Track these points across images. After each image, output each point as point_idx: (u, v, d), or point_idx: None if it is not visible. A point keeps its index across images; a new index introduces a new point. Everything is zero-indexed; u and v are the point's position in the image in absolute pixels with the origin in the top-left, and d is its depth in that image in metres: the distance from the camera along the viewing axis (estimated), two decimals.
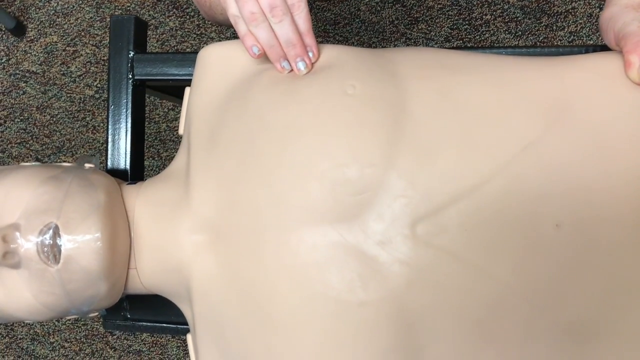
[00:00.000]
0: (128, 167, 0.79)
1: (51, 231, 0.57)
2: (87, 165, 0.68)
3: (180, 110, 0.70)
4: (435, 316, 0.53)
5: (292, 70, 0.60)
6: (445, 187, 0.53)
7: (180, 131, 0.70)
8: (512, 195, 0.52)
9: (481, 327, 0.53)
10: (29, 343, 1.66)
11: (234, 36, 1.46)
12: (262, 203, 0.56)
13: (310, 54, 0.60)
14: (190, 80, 0.69)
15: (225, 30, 1.55)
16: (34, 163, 0.67)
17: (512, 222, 0.52)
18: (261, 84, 0.60)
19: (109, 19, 1.53)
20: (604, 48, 0.61)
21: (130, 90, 0.79)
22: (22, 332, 1.66)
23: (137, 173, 0.80)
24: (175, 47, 1.57)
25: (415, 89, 0.56)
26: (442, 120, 0.54)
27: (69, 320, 1.63)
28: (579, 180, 0.52)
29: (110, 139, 0.79)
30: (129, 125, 0.79)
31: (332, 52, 0.61)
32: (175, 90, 0.94)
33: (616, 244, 0.51)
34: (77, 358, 1.63)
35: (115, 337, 1.61)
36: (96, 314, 0.67)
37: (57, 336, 1.64)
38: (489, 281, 0.52)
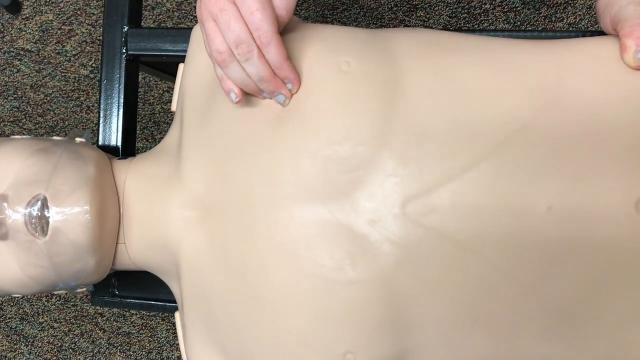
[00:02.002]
0: (119, 144, 0.78)
1: (39, 203, 0.57)
2: (77, 139, 0.67)
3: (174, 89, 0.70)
4: (424, 296, 0.53)
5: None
6: (437, 167, 0.52)
7: (173, 107, 0.69)
8: (504, 176, 0.52)
9: (470, 308, 0.53)
10: (18, 322, 1.65)
11: None
12: (253, 179, 0.56)
13: (289, 86, 0.56)
14: (185, 57, 0.68)
15: None
16: (24, 136, 0.66)
17: (504, 203, 0.52)
18: None
19: None
20: (601, 35, 0.60)
21: (123, 66, 0.78)
22: (11, 311, 1.65)
23: (128, 150, 0.80)
24: None
25: (410, 68, 0.55)
26: (436, 99, 0.54)
27: (59, 300, 1.62)
28: (571, 163, 0.52)
29: (102, 115, 0.78)
30: (122, 101, 0.78)
31: (326, 30, 0.60)
32: (169, 67, 0.93)
33: (607, 228, 0.51)
34: (66, 339, 1.63)
35: (104, 318, 1.61)
36: (84, 289, 0.67)
37: (47, 316, 1.64)
38: (479, 262, 0.52)
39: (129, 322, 1.59)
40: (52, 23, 1.60)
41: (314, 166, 0.54)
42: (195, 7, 1.54)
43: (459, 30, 1.44)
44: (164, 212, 0.61)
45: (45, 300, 1.63)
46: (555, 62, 0.56)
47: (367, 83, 0.54)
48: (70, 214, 0.57)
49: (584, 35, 0.63)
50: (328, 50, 0.57)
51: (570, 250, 0.51)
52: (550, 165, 0.52)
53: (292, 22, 0.61)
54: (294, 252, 0.54)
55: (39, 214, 0.57)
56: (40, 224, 0.57)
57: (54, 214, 0.57)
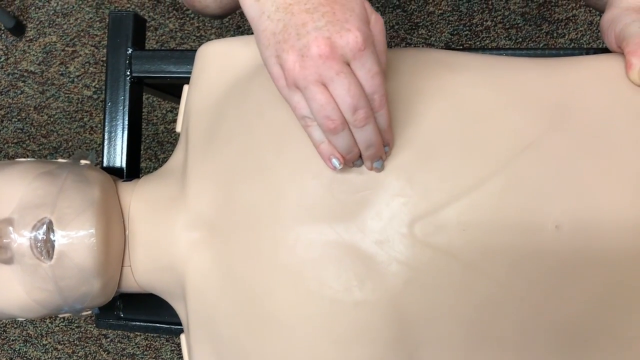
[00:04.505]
0: (124, 165, 0.78)
1: (45, 226, 0.57)
2: (82, 161, 0.67)
3: (178, 110, 0.70)
4: (431, 316, 0.52)
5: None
6: (444, 186, 0.52)
7: (178, 129, 0.69)
8: (512, 195, 0.52)
9: (478, 327, 0.52)
10: (22, 345, 1.64)
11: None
12: (258, 200, 0.56)
13: (386, 149, 0.52)
14: (189, 78, 0.69)
15: (225, 32, 1.55)
16: (29, 159, 0.66)
17: (511, 222, 0.51)
18: (261, 80, 0.60)
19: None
20: (605, 52, 0.61)
21: (127, 88, 0.78)
22: (14, 333, 1.64)
23: (133, 171, 0.80)
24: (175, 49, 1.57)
25: (416, 87, 0.55)
26: (442, 119, 0.54)
27: (62, 322, 1.62)
28: (579, 181, 0.51)
29: (106, 137, 0.78)
30: (126, 123, 0.78)
31: None
32: (172, 89, 0.94)
33: (615, 246, 0.51)
34: None
35: (108, 340, 1.60)
36: (89, 312, 0.66)
37: (50, 338, 1.63)
38: (487, 281, 0.51)
39: (133, 344, 1.58)
40: (55, 45, 1.61)
41: (319, 186, 0.54)
42: (197, 27, 1.55)
43: (461, 47, 1.44)
44: (170, 233, 0.61)
45: (49, 322, 1.63)
46: (560, 80, 0.56)
47: None
48: (76, 238, 0.57)
49: (587, 53, 0.63)
50: None
51: (579, 268, 0.51)
52: (557, 184, 0.52)
53: None
54: (300, 273, 0.53)
55: (45, 237, 0.57)
56: (46, 248, 0.57)
57: (60, 238, 0.57)
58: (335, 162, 0.50)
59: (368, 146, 0.50)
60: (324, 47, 0.44)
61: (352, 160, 0.51)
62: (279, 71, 0.47)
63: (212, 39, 1.52)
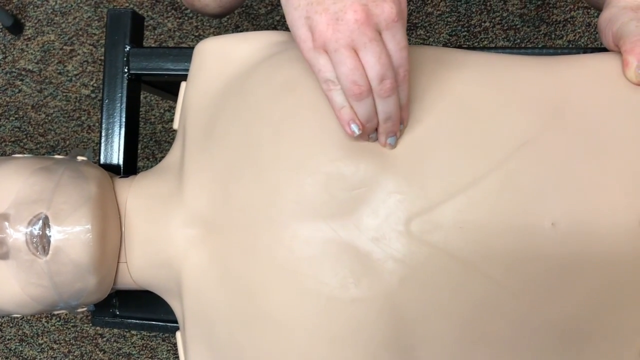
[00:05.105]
0: (121, 162, 0.78)
1: (41, 222, 0.57)
2: (79, 157, 0.67)
3: (176, 108, 0.70)
4: (427, 314, 0.52)
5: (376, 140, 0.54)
6: (441, 184, 0.52)
7: (175, 126, 0.69)
8: (508, 193, 0.52)
9: (473, 325, 0.52)
10: (17, 344, 1.64)
11: None
12: (255, 197, 0.56)
13: (401, 127, 0.53)
14: (186, 75, 0.69)
15: (224, 32, 1.55)
16: (25, 155, 0.66)
17: (508, 220, 0.51)
18: (259, 77, 0.60)
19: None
20: (602, 51, 0.61)
21: (125, 85, 0.78)
22: (10, 332, 1.64)
23: (130, 169, 0.80)
24: None
25: (413, 84, 0.55)
26: (438, 116, 0.54)
27: (58, 321, 1.61)
28: (575, 179, 0.51)
29: (103, 134, 0.78)
30: (123, 120, 0.78)
31: None
32: (170, 86, 0.94)
33: (612, 244, 0.51)
34: None
35: (104, 339, 1.59)
36: (85, 309, 0.66)
37: (46, 337, 1.62)
38: (482, 279, 0.51)
39: (130, 343, 1.58)
40: (53, 43, 1.61)
41: (316, 184, 0.54)
42: (195, 27, 1.55)
43: (459, 48, 1.45)
44: (166, 230, 0.61)
45: (45, 321, 1.62)
46: (558, 79, 0.56)
47: None
48: (72, 233, 0.57)
49: (584, 52, 0.63)
50: None
51: (575, 267, 0.51)
52: (554, 182, 0.52)
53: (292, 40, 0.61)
54: (297, 270, 0.53)
55: (40, 233, 0.56)
56: (42, 243, 0.57)
57: (56, 233, 0.57)
58: (354, 127, 0.50)
59: (387, 118, 0.50)
60: (361, 12, 0.45)
61: (369, 131, 0.52)
62: (307, 33, 0.48)
63: None
